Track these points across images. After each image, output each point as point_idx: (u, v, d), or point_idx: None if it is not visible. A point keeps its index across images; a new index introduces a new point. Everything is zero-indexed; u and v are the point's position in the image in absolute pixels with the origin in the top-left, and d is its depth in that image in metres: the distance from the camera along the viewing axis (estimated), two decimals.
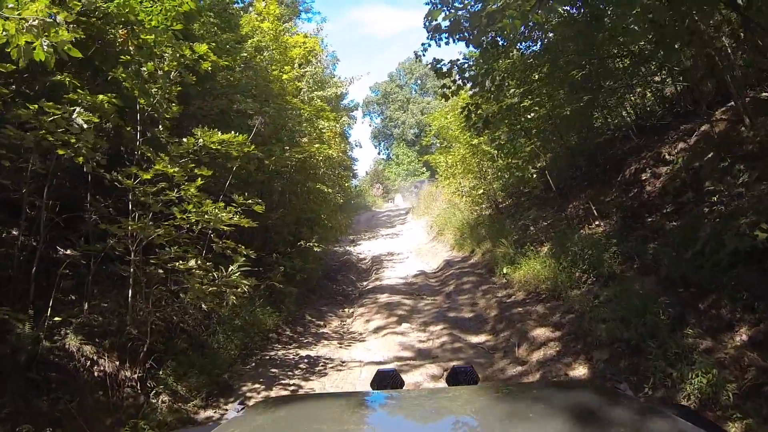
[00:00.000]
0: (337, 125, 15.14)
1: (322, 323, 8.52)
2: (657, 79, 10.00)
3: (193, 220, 4.87)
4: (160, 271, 5.20)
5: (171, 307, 5.27)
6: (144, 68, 5.10)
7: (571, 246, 8.25)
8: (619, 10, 5.65)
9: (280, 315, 7.71)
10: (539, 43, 9.72)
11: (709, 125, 7.57)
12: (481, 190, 14.50)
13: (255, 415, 1.81)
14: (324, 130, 10.91)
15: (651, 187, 8.72)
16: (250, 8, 10.91)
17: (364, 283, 12.38)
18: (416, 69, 61.08)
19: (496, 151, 12.31)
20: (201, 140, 4.97)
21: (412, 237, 18.63)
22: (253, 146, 5.72)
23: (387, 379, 2.18)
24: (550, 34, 8.02)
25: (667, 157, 8.62)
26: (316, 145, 10.15)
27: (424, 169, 51.00)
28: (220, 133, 5.07)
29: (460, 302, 8.69)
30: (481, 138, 14.34)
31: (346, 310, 9.51)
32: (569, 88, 8.63)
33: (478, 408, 1.79)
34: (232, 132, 5.25)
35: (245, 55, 9.43)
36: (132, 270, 4.96)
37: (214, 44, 9.04)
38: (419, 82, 61.39)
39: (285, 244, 9.81)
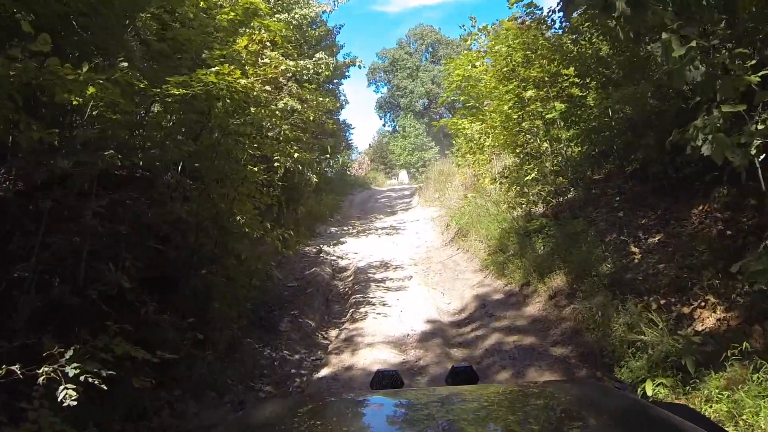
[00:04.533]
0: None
1: None
2: None
3: None
4: None
5: None
6: None
7: None
8: None
9: None
10: None
11: None
12: (533, 174, 8.82)
13: (254, 415, 1.78)
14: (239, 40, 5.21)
15: None
16: None
17: (332, 334, 6.92)
18: (428, 35, 55.55)
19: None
20: None
21: (418, 234, 12.94)
22: None
23: (386, 379, 2.10)
24: None
25: None
26: (214, 69, 4.54)
27: (433, 143, 45.63)
28: None
29: None
30: (538, 90, 8.73)
31: None
32: None
33: (478, 408, 1.72)
34: None
35: None
36: None
37: None
38: (431, 49, 55.82)
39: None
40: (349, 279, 10.00)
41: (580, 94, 8.50)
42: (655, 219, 7.04)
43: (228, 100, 5.03)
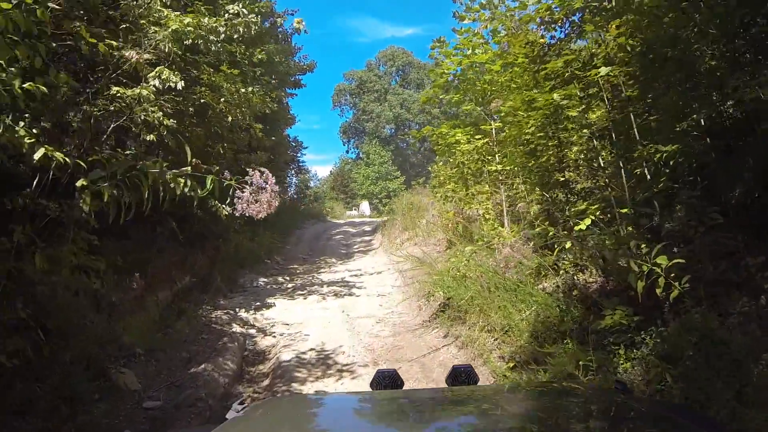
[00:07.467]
0: None
1: None
2: None
3: None
4: None
5: None
6: None
7: None
8: None
9: None
10: None
11: None
12: (590, 219, 4.80)
13: (255, 415, 1.73)
14: None
15: None
16: None
17: None
18: (399, 57, 52.57)
19: None
20: None
21: (381, 299, 8.66)
22: None
23: (387, 379, 2.01)
24: None
25: None
26: None
27: (399, 172, 41.86)
28: None
29: None
30: (618, 66, 4.79)
31: None
32: None
33: (478, 408, 1.68)
34: None
35: None
36: None
37: None
38: (401, 72, 52.71)
39: None
40: (264, 383, 5.81)
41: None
42: None
43: None
